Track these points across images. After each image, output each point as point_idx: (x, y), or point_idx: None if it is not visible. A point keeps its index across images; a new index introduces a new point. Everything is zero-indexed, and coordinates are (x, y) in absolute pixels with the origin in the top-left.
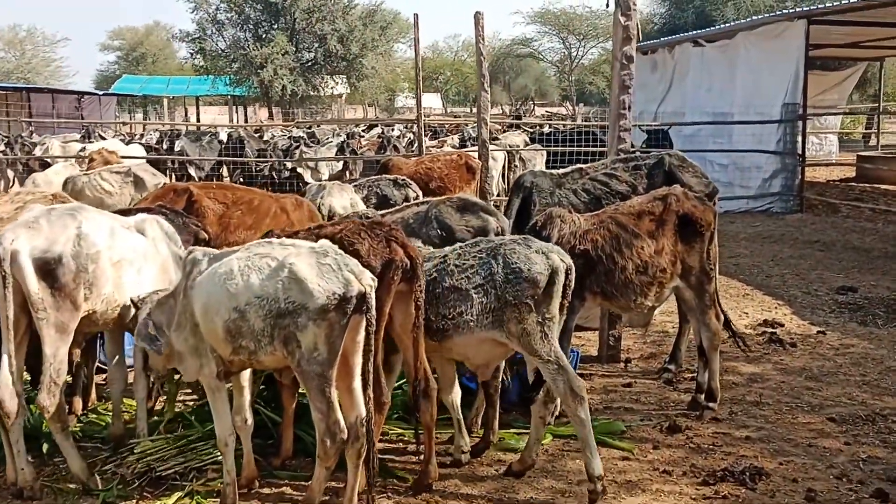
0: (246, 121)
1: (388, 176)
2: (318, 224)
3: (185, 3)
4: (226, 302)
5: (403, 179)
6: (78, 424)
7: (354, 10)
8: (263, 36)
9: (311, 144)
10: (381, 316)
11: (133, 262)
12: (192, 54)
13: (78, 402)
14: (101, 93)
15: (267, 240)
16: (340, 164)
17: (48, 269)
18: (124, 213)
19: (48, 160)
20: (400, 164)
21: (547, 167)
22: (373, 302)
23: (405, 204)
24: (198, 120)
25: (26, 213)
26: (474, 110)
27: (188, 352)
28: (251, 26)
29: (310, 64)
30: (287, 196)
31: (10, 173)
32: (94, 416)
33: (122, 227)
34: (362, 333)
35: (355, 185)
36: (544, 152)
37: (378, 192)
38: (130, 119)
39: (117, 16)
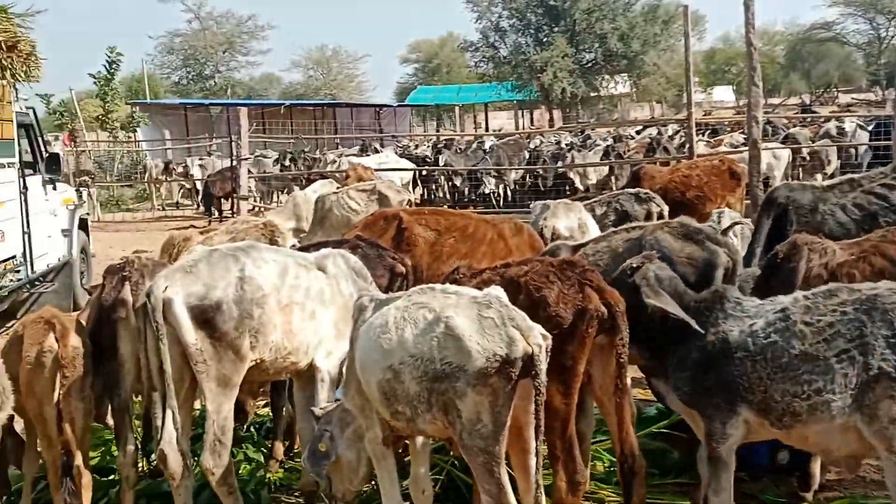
0: (531, 125)
1: (630, 189)
2: (504, 262)
3: (472, 13)
4: (379, 359)
5: (647, 193)
6: (279, 471)
7: (635, 7)
8: (544, 40)
9: (582, 149)
10: (573, 376)
11: (306, 304)
12: (476, 63)
13: (279, 447)
14: (395, 104)
15: (430, 286)
16: (607, 170)
17: (206, 318)
18: (310, 248)
19: (326, 175)
20: (653, 172)
21: (842, 168)
22: (542, 365)
23: (612, 230)
24: (486, 127)
25: (187, 254)
26: (770, 101)
27: (356, 412)
28: (532, 31)
29: (590, 65)
30: (506, 220)
31: (296, 188)
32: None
33: (296, 265)
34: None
35: (594, 202)
36: (835, 149)
37: (618, 208)
38: (424, 130)
39: (414, 29)
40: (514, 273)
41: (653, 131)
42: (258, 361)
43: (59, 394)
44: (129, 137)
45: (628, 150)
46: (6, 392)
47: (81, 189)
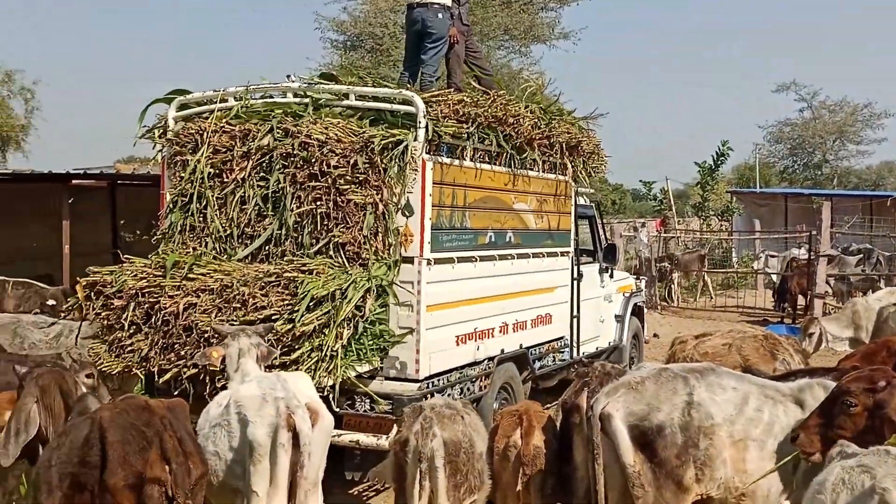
0: None
1: None
2: None
3: None
4: None
5: None
6: None
7: None
8: None
9: None
10: None
11: (766, 442)
12: None
13: None
14: None
15: (889, 447)
16: None
17: (646, 441)
18: (789, 376)
19: None
20: None
21: None
22: None
23: None
24: None
25: (634, 370)
26: None
27: None
28: None
29: None
30: None
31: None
32: None
33: (760, 396)
34: None
35: None
36: None
37: None
38: None
39: None
40: None
41: None
42: (704, 497)
43: (520, 489)
44: (723, 226)
45: None
46: (483, 475)
47: (642, 276)
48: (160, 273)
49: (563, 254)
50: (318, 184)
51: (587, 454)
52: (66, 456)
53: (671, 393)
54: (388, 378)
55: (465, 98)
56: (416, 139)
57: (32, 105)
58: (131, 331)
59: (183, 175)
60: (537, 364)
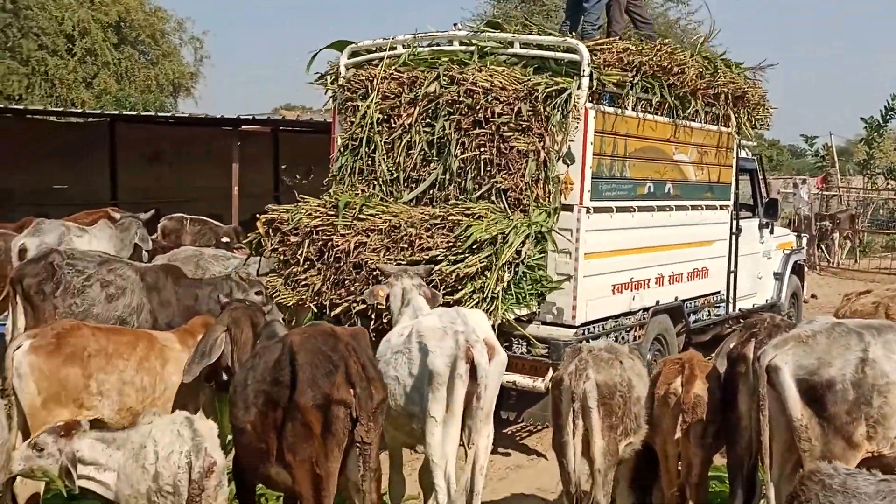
0: None
1: None
2: None
3: None
4: None
5: None
6: None
7: None
8: None
9: None
10: None
11: None
12: None
13: None
14: None
15: None
16: None
17: (815, 395)
18: None
19: None
20: None
21: None
22: None
23: None
24: None
25: (805, 324)
26: None
27: None
28: None
29: None
30: None
31: None
32: None
33: None
34: None
35: None
36: None
37: None
38: None
39: None
40: None
41: None
42: (875, 454)
43: (679, 437)
44: (889, 185)
45: None
46: (640, 419)
47: (802, 234)
48: (332, 213)
49: (722, 207)
50: (482, 130)
51: (751, 405)
52: (261, 375)
53: (843, 348)
54: (544, 323)
55: (629, 46)
56: (579, 87)
57: (201, 54)
58: (305, 266)
59: (353, 120)
60: (692, 317)
